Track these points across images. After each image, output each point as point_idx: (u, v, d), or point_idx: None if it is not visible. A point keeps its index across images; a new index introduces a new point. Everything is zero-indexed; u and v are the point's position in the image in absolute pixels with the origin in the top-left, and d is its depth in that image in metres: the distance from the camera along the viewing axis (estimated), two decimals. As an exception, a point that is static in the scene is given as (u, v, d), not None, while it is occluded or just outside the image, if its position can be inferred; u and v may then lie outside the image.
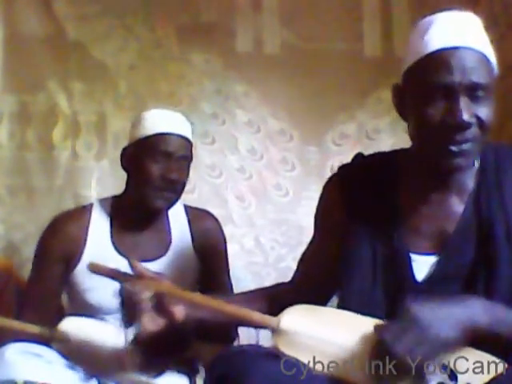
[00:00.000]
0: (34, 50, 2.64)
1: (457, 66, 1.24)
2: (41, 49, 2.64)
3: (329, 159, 2.67)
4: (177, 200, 1.91)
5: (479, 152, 1.33)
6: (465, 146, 1.26)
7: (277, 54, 2.75)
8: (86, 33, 2.67)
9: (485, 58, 1.28)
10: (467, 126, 1.25)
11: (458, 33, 1.28)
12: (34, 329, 1.63)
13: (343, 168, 1.48)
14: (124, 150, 1.92)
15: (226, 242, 2.04)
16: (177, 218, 1.96)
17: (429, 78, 1.26)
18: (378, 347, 1.19)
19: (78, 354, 1.64)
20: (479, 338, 1.20)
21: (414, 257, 1.34)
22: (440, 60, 1.26)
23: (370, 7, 2.78)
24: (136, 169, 1.87)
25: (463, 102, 1.24)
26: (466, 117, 1.24)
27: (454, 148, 1.26)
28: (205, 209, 2.06)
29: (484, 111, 1.26)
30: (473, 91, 1.25)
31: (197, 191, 2.61)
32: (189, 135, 1.92)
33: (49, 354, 1.64)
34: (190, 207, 2.02)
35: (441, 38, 1.27)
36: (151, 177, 1.82)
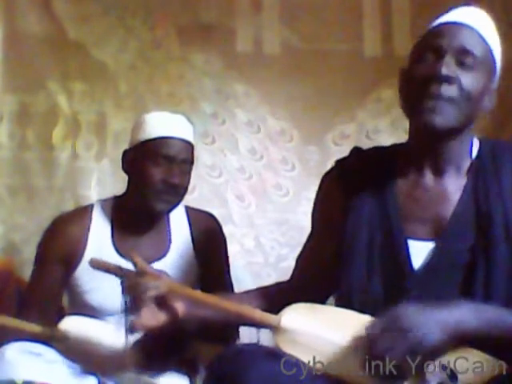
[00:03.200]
0: (33, 50, 2.64)
1: (449, 32, 1.32)
2: (41, 49, 2.65)
3: (329, 159, 2.66)
4: (178, 203, 1.90)
5: (465, 124, 1.33)
6: (439, 103, 1.28)
7: (277, 54, 2.75)
8: (86, 33, 2.67)
9: (481, 38, 1.33)
10: (444, 78, 1.27)
11: (457, 14, 1.35)
12: (34, 328, 1.63)
13: (340, 161, 1.49)
14: (125, 152, 1.92)
15: (226, 244, 2.03)
16: (177, 220, 1.96)
17: (423, 44, 1.33)
18: (362, 344, 1.20)
19: (78, 353, 1.64)
20: (470, 341, 1.20)
21: (411, 243, 1.34)
22: (434, 30, 1.34)
23: (370, 7, 2.78)
24: (137, 172, 1.86)
25: (448, 60, 1.29)
26: (444, 71, 1.27)
27: (428, 103, 1.28)
28: (206, 210, 2.06)
29: (469, 78, 1.29)
30: (461, 56, 1.30)
31: (197, 191, 2.61)
32: (190, 138, 1.91)
33: (49, 354, 1.64)
34: (191, 208, 2.01)
35: (443, 17, 1.35)
36: (153, 180, 1.82)
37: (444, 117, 1.28)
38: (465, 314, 1.20)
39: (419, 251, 1.33)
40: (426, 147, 1.36)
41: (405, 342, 1.16)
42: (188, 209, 2.00)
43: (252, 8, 2.75)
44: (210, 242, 1.97)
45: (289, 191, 2.71)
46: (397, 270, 1.33)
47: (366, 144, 2.66)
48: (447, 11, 1.37)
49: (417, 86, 1.30)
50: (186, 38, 2.71)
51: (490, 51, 1.33)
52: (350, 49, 2.76)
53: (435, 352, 1.19)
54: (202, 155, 2.60)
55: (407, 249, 1.33)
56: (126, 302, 1.39)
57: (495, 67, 1.35)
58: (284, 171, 2.73)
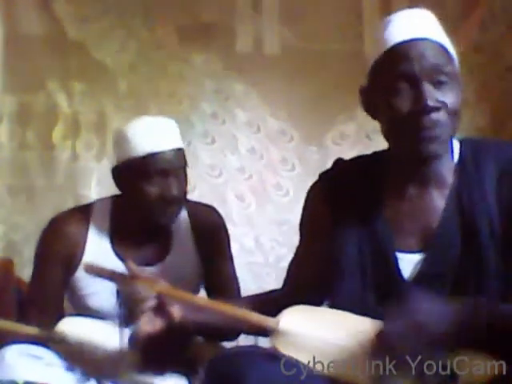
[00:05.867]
0: (34, 50, 2.64)
1: (416, 55, 1.29)
2: (41, 49, 2.65)
3: (329, 159, 2.64)
4: (181, 209, 1.84)
5: (451, 138, 1.34)
6: (434, 132, 1.28)
7: (277, 54, 2.75)
8: (85, 33, 2.67)
9: (442, 48, 1.31)
10: (432, 110, 1.27)
11: (413, 26, 1.32)
12: (31, 330, 1.63)
13: (325, 174, 1.49)
14: (114, 170, 1.83)
15: (228, 236, 1.97)
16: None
17: (391, 70, 1.30)
18: (379, 344, 1.19)
19: (76, 355, 1.64)
20: (478, 337, 1.20)
21: (400, 255, 1.34)
22: (399, 52, 1.30)
23: (370, 7, 2.78)
24: (132, 191, 1.79)
25: (426, 88, 1.27)
26: (430, 102, 1.27)
27: (424, 134, 1.28)
28: (206, 203, 2.00)
29: (449, 96, 1.29)
30: (435, 76, 1.28)
31: (197, 191, 2.61)
32: (180, 143, 1.82)
33: (48, 356, 1.63)
34: (190, 201, 1.93)
35: (398, 32, 1.32)
36: (150, 198, 1.75)
37: (440, 143, 1.29)
38: (473, 308, 1.21)
39: (408, 263, 1.33)
40: (414, 166, 1.35)
41: (425, 336, 1.17)
42: (187, 201, 1.91)
43: (252, 8, 2.75)
44: (210, 235, 1.92)
45: (289, 191, 2.71)
46: (388, 283, 1.33)
47: (365, 144, 2.70)
48: (391, 17, 1.35)
49: (404, 120, 1.29)
50: (186, 38, 2.71)
51: (450, 55, 1.32)
52: (350, 49, 2.76)
53: (444, 343, 1.19)
54: (202, 155, 2.60)
55: (396, 262, 1.33)
56: (121, 312, 1.39)
57: (456, 64, 1.34)
58: (284, 171, 2.73)
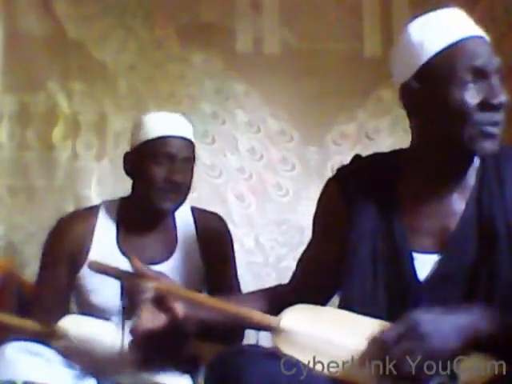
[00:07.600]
0: (33, 49, 2.64)
1: (483, 51, 1.29)
2: (41, 49, 2.65)
3: (329, 159, 2.67)
4: (183, 202, 1.90)
5: None
6: (498, 129, 1.28)
7: (277, 54, 2.75)
8: (86, 33, 2.67)
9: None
10: (501, 106, 1.27)
11: (466, 24, 1.32)
12: (32, 325, 1.63)
13: (342, 170, 1.48)
14: (126, 155, 1.92)
15: (233, 244, 2.02)
16: (183, 219, 1.96)
17: (460, 64, 1.27)
18: (375, 347, 1.19)
19: (77, 353, 1.64)
20: (481, 345, 1.20)
21: (416, 255, 1.33)
22: (466, 47, 1.29)
23: (370, 7, 2.78)
24: (140, 173, 1.86)
25: (494, 82, 1.27)
26: (503, 97, 1.27)
27: (491, 129, 1.27)
28: (212, 211, 2.05)
29: (505, 94, 1.29)
30: (496, 74, 1.28)
31: (197, 191, 2.59)
32: (190, 136, 1.91)
33: (48, 353, 1.63)
34: (197, 209, 2.01)
35: (455, 29, 1.30)
36: (155, 179, 1.82)
37: (498, 140, 1.29)
38: (478, 319, 1.20)
39: (424, 264, 1.32)
40: (451, 164, 1.34)
41: (423, 348, 1.16)
42: (194, 209, 2.00)
43: (252, 8, 2.75)
44: (215, 242, 1.96)
45: (289, 191, 2.71)
46: (402, 283, 1.32)
47: (365, 144, 2.70)
48: (432, 15, 1.34)
49: (475, 116, 1.26)
50: (186, 38, 2.71)
51: None
52: (350, 49, 2.76)
53: (449, 357, 1.18)
54: (202, 155, 2.59)
55: (412, 261, 1.33)
56: (123, 304, 1.39)
57: None
58: (284, 171, 2.73)
